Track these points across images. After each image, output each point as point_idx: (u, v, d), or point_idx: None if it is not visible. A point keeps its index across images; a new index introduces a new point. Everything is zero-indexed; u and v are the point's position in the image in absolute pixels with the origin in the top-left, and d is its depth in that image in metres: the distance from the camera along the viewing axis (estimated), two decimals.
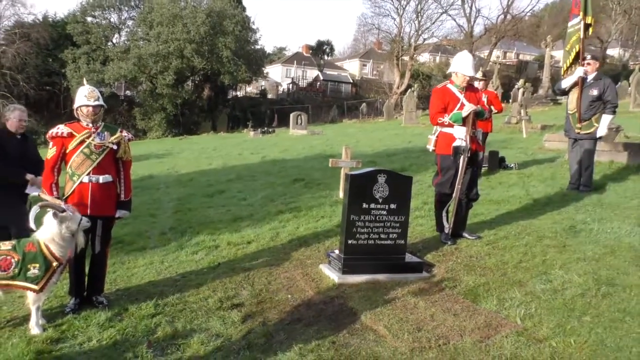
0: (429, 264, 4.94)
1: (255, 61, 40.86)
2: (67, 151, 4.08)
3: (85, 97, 4.12)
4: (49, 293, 3.98)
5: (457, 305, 3.98)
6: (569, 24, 7.64)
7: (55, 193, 4.00)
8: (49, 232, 3.62)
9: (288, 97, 49.17)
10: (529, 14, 42.90)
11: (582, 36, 7.33)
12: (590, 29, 7.40)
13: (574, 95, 7.37)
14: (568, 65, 7.53)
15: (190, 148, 21.71)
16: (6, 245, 3.58)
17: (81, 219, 3.76)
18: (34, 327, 3.72)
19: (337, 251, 4.89)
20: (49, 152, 4.10)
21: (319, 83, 52.62)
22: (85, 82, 4.53)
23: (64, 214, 3.66)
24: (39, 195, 3.88)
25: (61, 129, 4.09)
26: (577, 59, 7.37)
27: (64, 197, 4.05)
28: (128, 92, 43.93)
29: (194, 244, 5.90)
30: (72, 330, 3.77)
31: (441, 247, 5.30)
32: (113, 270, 5.03)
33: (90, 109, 4.11)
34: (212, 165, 14.17)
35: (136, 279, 4.88)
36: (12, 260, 3.52)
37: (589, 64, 7.25)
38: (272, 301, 4.26)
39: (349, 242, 4.68)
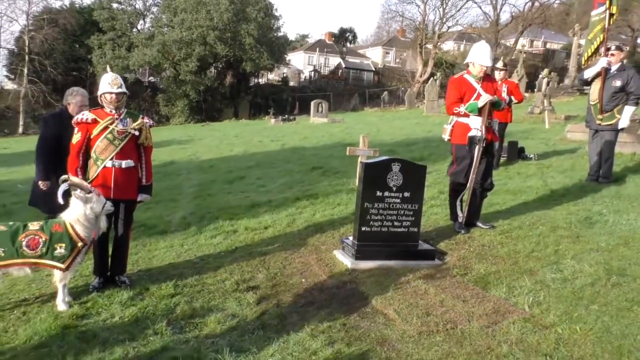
0: (442, 251, 5.01)
1: (278, 48, 40.94)
2: (92, 136, 4.24)
3: (108, 84, 4.27)
4: (74, 272, 4.17)
5: (467, 292, 4.06)
6: (593, 12, 7.50)
7: (80, 177, 4.18)
8: (75, 213, 3.81)
9: (310, 85, 49.15)
10: (557, 1, 41.93)
11: (606, 26, 7.23)
12: (613, 19, 7.27)
13: (596, 85, 7.28)
14: (589, 54, 7.43)
15: (212, 135, 21.98)
16: (34, 225, 3.78)
17: (105, 203, 3.93)
18: (60, 304, 3.92)
19: (351, 238, 5.00)
20: (74, 138, 4.27)
21: (340, 71, 52.42)
22: (109, 69, 4.68)
23: (89, 195, 3.83)
24: (67, 178, 4.06)
25: (86, 115, 4.26)
26: (599, 49, 7.27)
27: (89, 181, 4.23)
28: (152, 79, 44.54)
29: (212, 229, 6.07)
30: (96, 308, 3.97)
31: (454, 235, 5.36)
32: (135, 252, 5.23)
33: (114, 96, 4.26)
34: (233, 152, 14.37)
35: (157, 261, 5.07)
36: (40, 240, 3.71)
37: (612, 54, 7.14)
38: (287, 284, 4.40)
39: (363, 229, 4.78)
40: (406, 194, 4.83)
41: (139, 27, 41.95)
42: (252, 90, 45.05)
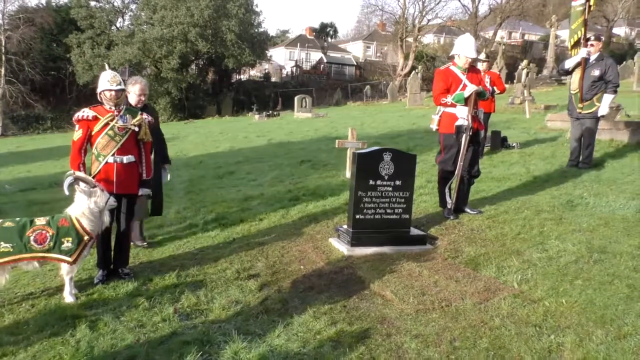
0: (433, 236, 5.22)
1: (259, 44, 40.82)
2: (93, 133, 4.35)
3: (108, 81, 4.37)
4: (80, 265, 4.28)
5: (458, 273, 4.27)
6: (575, 2, 7.69)
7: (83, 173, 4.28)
8: (80, 208, 3.92)
9: (292, 80, 49.15)
10: None
11: (586, 17, 7.50)
12: (591, 10, 7.55)
13: (577, 75, 7.56)
14: (572, 44, 7.66)
15: (196, 132, 21.96)
16: (41, 220, 3.87)
17: (109, 198, 4.04)
18: (67, 296, 4.03)
19: (345, 226, 5.18)
20: (76, 135, 4.37)
21: (322, 66, 52.52)
22: (107, 67, 4.77)
23: (94, 189, 3.95)
24: (73, 173, 4.16)
25: (86, 112, 4.35)
26: (580, 42, 7.54)
27: (91, 177, 4.33)
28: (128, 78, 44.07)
29: (208, 221, 6.20)
30: (103, 299, 4.09)
31: (444, 221, 5.58)
32: (134, 246, 5.33)
33: (113, 93, 4.36)
34: (220, 148, 14.44)
35: (157, 253, 5.19)
36: (47, 234, 3.81)
37: (592, 44, 7.43)
38: (286, 272, 4.56)
39: (357, 216, 4.97)
40: (397, 182, 5.03)
41: (118, 25, 41.47)
42: (235, 86, 44.91)
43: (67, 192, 3.97)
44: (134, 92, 5.04)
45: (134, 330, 3.55)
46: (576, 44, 7.68)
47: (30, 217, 3.96)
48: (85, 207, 3.96)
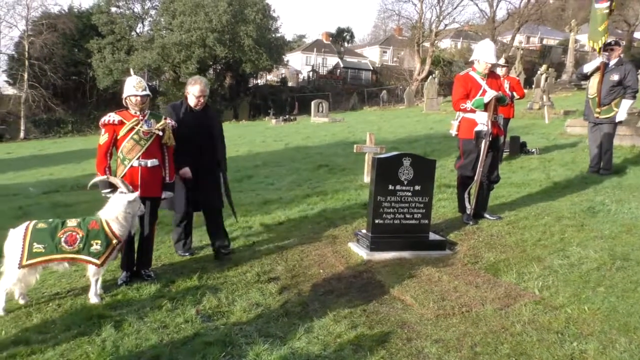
0: (452, 242, 5.22)
1: (276, 49, 41.14)
2: (118, 137, 4.45)
3: (133, 87, 4.46)
4: (106, 267, 4.37)
5: (478, 278, 4.27)
6: (598, 5, 7.56)
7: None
8: (114, 212, 4.01)
9: (308, 85, 49.34)
10: None
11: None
12: (612, 13, 7.51)
13: (595, 79, 7.51)
14: (600, 46, 7.47)
15: None
16: (72, 222, 3.98)
17: (140, 205, 4.14)
18: (92, 297, 4.11)
19: (364, 230, 5.21)
20: (102, 138, 4.47)
21: (339, 70, 52.64)
22: (132, 72, 4.87)
23: (132, 194, 4.05)
24: (107, 177, 4.28)
25: (112, 116, 4.46)
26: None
27: None
28: (150, 83, 44.66)
29: (228, 225, 6.23)
30: (126, 299, 4.17)
31: (463, 227, 5.58)
32: (156, 248, 5.40)
33: (139, 98, 4.45)
34: (238, 152, 14.59)
35: (178, 256, 5.26)
36: (77, 236, 3.91)
37: (612, 49, 7.38)
38: (306, 275, 4.60)
39: (376, 221, 5.00)
40: (417, 187, 5.04)
41: (138, 31, 42.16)
42: (252, 91, 45.25)
43: (88, 188, 4.08)
44: (193, 93, 4.82)
45: (157, 330, 3.62)
46: (605, 46, 7.58)
47: (63, 219, 4.07)
48: (120, 211, 4.04)
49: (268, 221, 6.30)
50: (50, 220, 3.99)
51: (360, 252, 5.00)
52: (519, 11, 40.49)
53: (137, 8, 42.31)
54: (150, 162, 4.48)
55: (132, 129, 4.42)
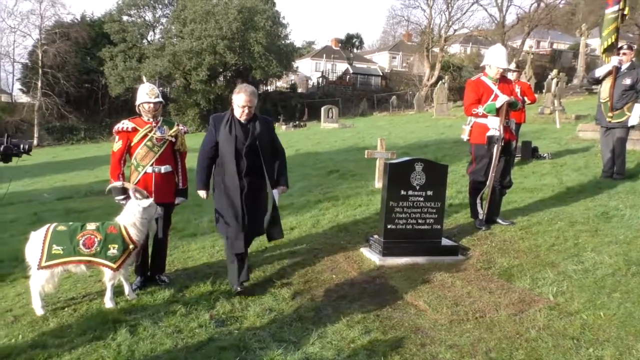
0: (464, 247, 5.20)
1: (286, 56, 41.30)
2: (132, 144, 4.50)
3: (146, 94, 4.52)
4: (123, 273, 4.42)
5: (492, 284, 4.25)
6: (608, 10, 7.63)
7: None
8: (131, 218, 4.06)
9: (318, 91, 49.44)
10: (563, 2, 42.01)
11: (618, 25, 7.43)
12: (624, 18, 7.49)
13: (607, 84, 7.47)
14: (604, 50, 7.57)
15: None
16: (91, 225, 4.04)
17: (157, 208, 4.18)
18: (108, 301, 4.16)
19: (376, 235, 5.21)
20: (115, 145, 4.53)
21: (348, 76, 52.70)
22: (144, 79, 4.94)
23: (148, 200, 4.10)
24: (122, 184, 4.34)
25: (126, 124, 4.52)
26: (612, 48, 7.46)
27: None
28: (161, 89, 45.03)
29: None
30: (141, 304, 4.21)
31: (476, 232, 5.56)
32: (170, 254, 5.43)
33: (152, 105, 4.51)
34: None
35: (192, 261, 5.31)
36: (95, 239, 3.97)
37: (624, 53, 7.34)
38: (318, 280, 4.61)
39: (389, 226, 5.00)
40: (429, 193, 5.04)
41: (149, 39, 42.53)
42: (261, 97, 45.34)
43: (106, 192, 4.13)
44: (237, 103, 4.22)
45: (172, 335, 3.65)
46: (607, 50, 7.60)
47: (82, 222, 4.13)
48: (137, 217, 4.09)
49: None
50: (70, 223, 4.05)
51: (372, 257, 5.01)
52: (529, 16, 40.35)
53: (149, 16, 42.73)
54: (163, 169, 4.53)
55: (145, 135, 4.47)
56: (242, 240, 4.30)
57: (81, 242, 3.92)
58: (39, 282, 3.95)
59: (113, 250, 3.97)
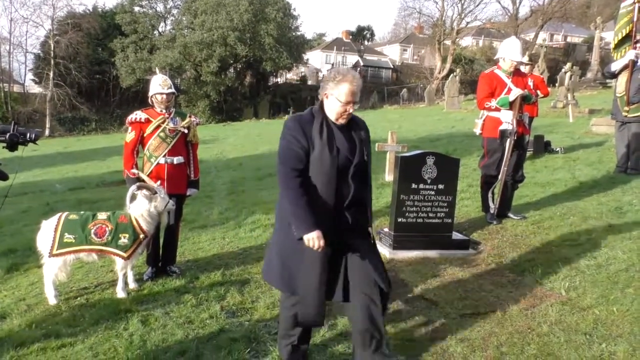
0: (476, 241, 5.18)
1: (296, 48, 41.27)
2: (145, 135, 4.52)
3: (159, 85, 4.53)
4: (134, 262, 4.45)
5: (503, 278, 4.23)
6: (623, 4, 7.55)
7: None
8: (141, 209, 4.10)
9: None
10: None
11: (634, 18, 7.30)
12: None
13: (623, 78, 7.36)
14: (615, 45, 7.49)
15: (235, 134, 22.33)
16: (102, 215, 4.08)
17: (168, 202, 4.20)
18: (119, 291, 4.20)
19: (387, 229, 5.20)
20: (128, 136, 4.55)
21: (359, 69, 52.38)
22: (157, 70, 4.95)
23: (154, 195, 4.12)
24: (137, 174, 4.37)
25: (139, 115, 4.53)
26: (624, 42, 7.35)
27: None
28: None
29: (250, 223, 6.32)
30: (152, 294, 4.24)
31: (487, 226, 5.52)
32: (180, 245, 5.45)
33: (164, 96, 4.52)
34: (259, 150, 14.66)
35: (202, 253, 5.33)
36: (107, 228, 4.01)
37: None
38: None
39: (399, 220, 4.98)
40: (440, 186, 5.01)
41: (160, 30, 42.67)
42: (271, 89, 45.46)
43: (128, 204, 4.16)
44: (338, 97, 2.76)
45: (183, 326, 3.67)
46: (618, 46, 7.48)
47: (94, 212, 4.16)
48: (145, 209, 4.13)
49: None
50: (82, 212, 4.09)
51: (383, 250, 4.99)
52: (543, 8, 39.88)
53: (160, 7, 42.87)
54: (176, 160, 4.54)
55: (158, 126, 4.49)
56: (321, 306, 2.75)
57: (92, 231, 3.96)
58: (52, 270, 3.99)
59: (124, 239, 4.00)
